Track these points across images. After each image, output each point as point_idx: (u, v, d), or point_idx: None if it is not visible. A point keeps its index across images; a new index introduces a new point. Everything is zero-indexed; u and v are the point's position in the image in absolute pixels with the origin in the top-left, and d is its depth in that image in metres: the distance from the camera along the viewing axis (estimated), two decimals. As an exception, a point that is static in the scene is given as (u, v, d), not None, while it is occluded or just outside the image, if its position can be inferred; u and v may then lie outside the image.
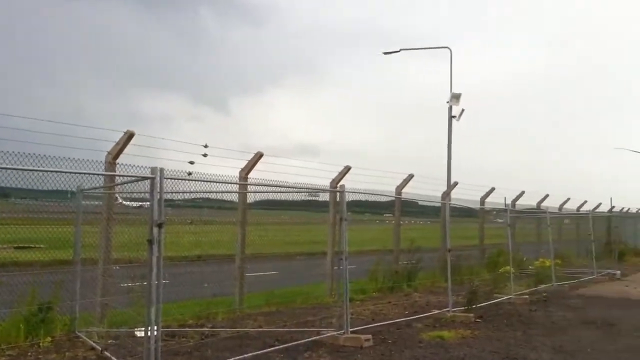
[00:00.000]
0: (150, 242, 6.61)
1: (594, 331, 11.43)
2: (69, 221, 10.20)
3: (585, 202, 31.66)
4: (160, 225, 6.66)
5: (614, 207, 34.86)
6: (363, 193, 13.92)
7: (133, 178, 9.07)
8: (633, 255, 33.20)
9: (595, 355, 9.37)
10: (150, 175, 6.79)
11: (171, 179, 9.47)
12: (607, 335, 11.09)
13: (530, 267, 21.29)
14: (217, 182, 11.14)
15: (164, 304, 7.97)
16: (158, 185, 6.70)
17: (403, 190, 17.36)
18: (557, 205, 28.79)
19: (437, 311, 12.64)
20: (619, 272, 22.77)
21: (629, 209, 40.72)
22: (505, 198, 21.81)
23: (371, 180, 15.69)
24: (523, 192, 24.08)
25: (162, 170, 6.77)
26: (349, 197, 14.91)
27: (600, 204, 33.62)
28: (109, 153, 10.19)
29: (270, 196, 14.82)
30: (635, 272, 25.26)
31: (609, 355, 9.44)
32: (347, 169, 14.49)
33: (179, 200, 13.68)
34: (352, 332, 9.84)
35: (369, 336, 9.81)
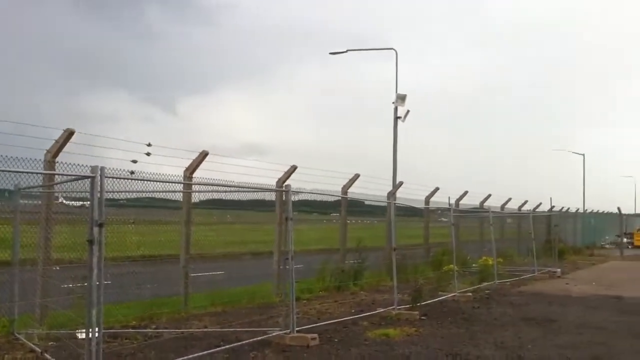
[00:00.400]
0: (91, 242, 6.46)
1: (535, 327, 11.70)
2: (7, 221, 9.91)
3: (526, 201, 32.45)
4: (100, 225, 6.52)
5: (553, 206, 35.81)
6: (308, 193, 13.96)
7: (73, 177, 8.86)
8: (572, 253, 34.21)
9: (536, 351, 9.58)
10: (90, 174, 6.65)
11: (112, 178, 9.28)
12: (548, 331, 11.36)
13: (473, 265, 21.66)
14: (160, 181, 10.97)
15: (106, 305, 7.82)
16: (98, 184, 6.55)
17: (349, 190, 17.44)
18: (500, 205, 29.41)
19: (382, 309, 12.73)
20: (559, 269, 23.38)
21: (568, 208, 41.90)
22: (449, 197, 22.09)
23: (319, 180, 15.74)
24: (466, 192, 24.52)
25: (102, 169, 6.63)
26: (296, 197, 14.93)
27: (540, 203, 34.50)
28: (48, 151, 9.94)
29: (217, 195, 14.70)
30: (574, 269, 26.02)
31: (549, 351, 9.66)
32: (294, 168, 14.48)
33: (122, 199, 13.42)
34: (298, 332, 9.82)
35: (315, 335, 9.82)
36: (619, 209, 45.06)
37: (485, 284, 18.00)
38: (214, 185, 12.33)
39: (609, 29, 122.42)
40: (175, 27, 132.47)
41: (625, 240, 43.29)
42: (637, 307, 14.56)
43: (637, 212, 68.94)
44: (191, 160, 12.22)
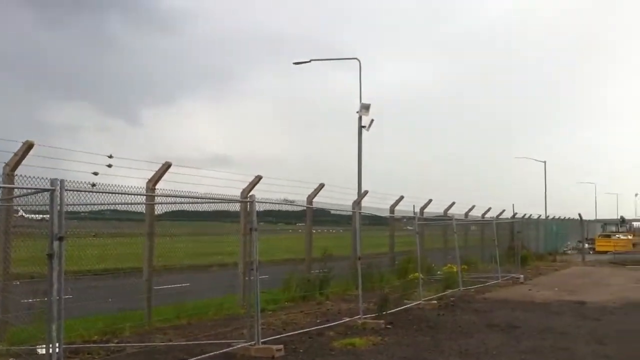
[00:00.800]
0: (50, 256, 6.37)
1: (499, 334, 11.83)
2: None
3: (490, 209, 32.86)
4: (61, 239, 6.43)
5: (516, 213, 36.29)
6: (273, 203, 13.94)
7: (32, 190, 8.72)
8: (535, 259, 34.70)
9: (500, 358, 9.70)
10: (49, 187, 6.56)
11: (73, 190, 9.13)
12: (511, 337, 11.50)
13: (438, 272, 21.85)
14: (121, 193, 10.83)
15: (67, 320, 7.70)
16: (58, 197, 6.47)
17: (314, 200, 17.46)
18: (463, 213, 29.72)
19: (348, 319, 12.75)
20: (522, 276, 23.70)
21: (530, 215, 42.53)
22: (414, 206, 22.33)
23: (285, 190, 15.76)
24: (430, 200, 24.73)
25: (62, 181, 6.55)
26: (261, 207, 14.89)
27: (503, 210, 34.94)
28: (6, 164, 9.77)
29: (181, 207, 14.58)
30: (537, 275, 26.41)
31: (512, 357, 9.79)
32: (258, 178, 14.45)
33: (84, 212, 13.23)
34: (263, 343, 9.79)
35: (281, 346, 9.80)
36: (580, 215, 45.90)
37: (450, 291, 18.15)
38: (177, 196, 12.23)
39: (566, 37, 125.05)
40: (137, 36, 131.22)
41: (586, 246, 44.04)
42: (599, 312, 14.81)
43: (598, 218, 70.31)
44: (154, 172, 12.12)
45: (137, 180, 11.80)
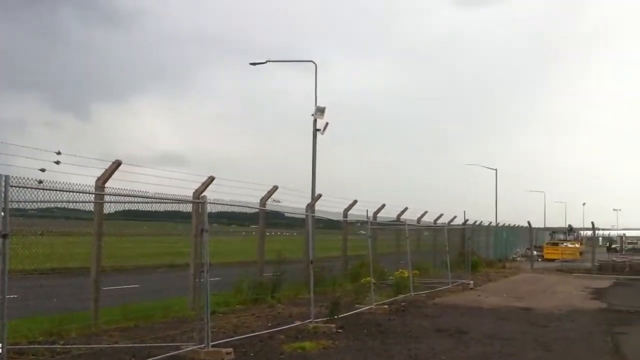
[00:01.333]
0: (-7, 254, 6.17)
1: (448, 339, 11.95)
2: None
3: (442, 215, 33.19)
4: (5, 236, 6.23)
5: (467, 220, 36.74)
6: (225, 204, 13.80)
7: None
8: (485, 265, 35.24)
9: (448, 362, 9.79)
10: (-7, 183, 6.35)
11: (18, 187, 8.87)
12: (460, 342, 11.62)
13: (390, 277, 21.96)
14: (69, 191, 10.58)
15: (11, 320, 7.47)
16: (2, 193, 6.27)
17: (268, 202, 17.37)
18: (416, 218, 29.98)
19: (299, 322, 12.71)
20: (472, 282, 24.03)
21: (481, 222, 43.18)
22: (367, 210, 22.33)
23: (239, 192, 15.61)
24: (384, 205, 24.84)
25: (7, 177, 6.36)
26: (215, 209, 14.73)
27: (455, 217, 35.33)
28: (-52, 159, 9.46)
29: (132, 207, 14.33)
30: (486, 281, 26.80)
31: (460, 361, 9.89)
32: (211, 179, 14.30)
33: (32, 209, 12.88)
34: (213, 346, 9.67)
35: (230, 349, 9.70)
36: (529, 222, 46.77)
37: (401, 296, 18.27)
38: (127, 195, 12.00)
39: (518, 44, 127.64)
40: (88, 31, 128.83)
41: (535, 253, 44.94)
42: (545, 319, 15.09)
43: (546, 226, 71.87)
44: (103, 170, 11.88)
45: (86, 178, 11.55)
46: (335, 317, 13.20)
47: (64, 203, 12.46)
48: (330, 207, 21.61)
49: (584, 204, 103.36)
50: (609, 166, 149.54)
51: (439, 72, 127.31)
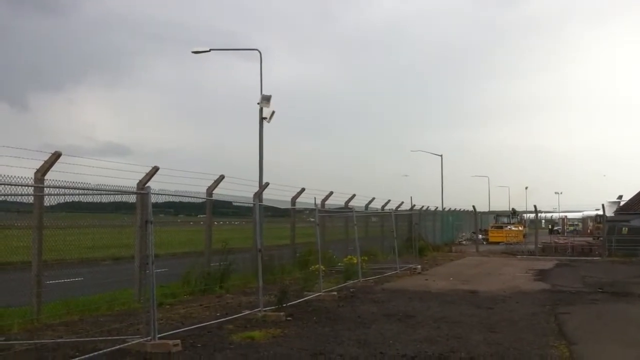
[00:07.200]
0: None
1: (396, 323, 12.05)
2: None
3: (389, 201, 33.53)
4: None
5: (414, 205, 37.22)
6: (169, 194, 13.58)
7: None
8: (432, 250, 35.79)
9: (397, 346, 9.86)
10: None
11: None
12: (408, 326, 11.74)
13: (339, 264, 22.06)
14: (6, 184, 10.24)
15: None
16: None
17: (214, 191, 17.18)
18: (364, 205, 30.18)
19: (248, 312, 12.63)
20: (419, 266, 24.35)
21: (428, 207, 43.79)
22: (315, 198, 22.40)
23: (185, 182, 15.38)
24: (331, 193, 24.90)
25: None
26: (162, 199, 14.48)
27: (402, 202, 35.78)
28: None
29: (74, 198, 13.96)
30: (433, 266, 27.19)
31: (408, 345, 9.97)
32: (155, 169, 14.04)
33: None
34: (160, 338, 9.51)
35: (178, 341, 9.56)
36: (474, 207, 47.72)
37: (350, 282, 18.37)
38: (68, 187, 11.66)
39: (460, 33, 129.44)
40: (22, 19, 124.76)
41: (480, 236, 45.86)
42: (490, 301, 15.37)
43: (491, 209, 73.42)
44: (43, 162, 11.53)
45: (24, 170, 11.18)
46: (284, 305, 13.16)
47: (3, 196, 12.05)
48: (278, 195, 21.57)
49: (526, 188, 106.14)
50: (551, 151, 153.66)
51: (386, 62, 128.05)
